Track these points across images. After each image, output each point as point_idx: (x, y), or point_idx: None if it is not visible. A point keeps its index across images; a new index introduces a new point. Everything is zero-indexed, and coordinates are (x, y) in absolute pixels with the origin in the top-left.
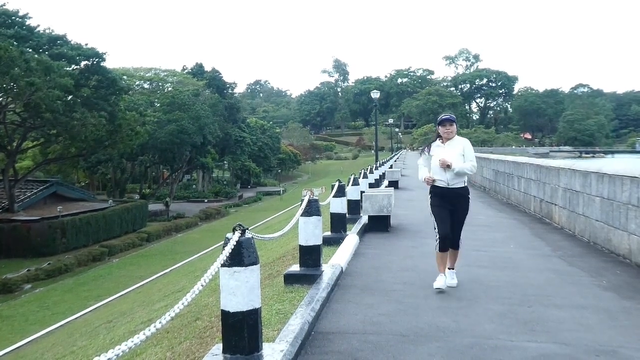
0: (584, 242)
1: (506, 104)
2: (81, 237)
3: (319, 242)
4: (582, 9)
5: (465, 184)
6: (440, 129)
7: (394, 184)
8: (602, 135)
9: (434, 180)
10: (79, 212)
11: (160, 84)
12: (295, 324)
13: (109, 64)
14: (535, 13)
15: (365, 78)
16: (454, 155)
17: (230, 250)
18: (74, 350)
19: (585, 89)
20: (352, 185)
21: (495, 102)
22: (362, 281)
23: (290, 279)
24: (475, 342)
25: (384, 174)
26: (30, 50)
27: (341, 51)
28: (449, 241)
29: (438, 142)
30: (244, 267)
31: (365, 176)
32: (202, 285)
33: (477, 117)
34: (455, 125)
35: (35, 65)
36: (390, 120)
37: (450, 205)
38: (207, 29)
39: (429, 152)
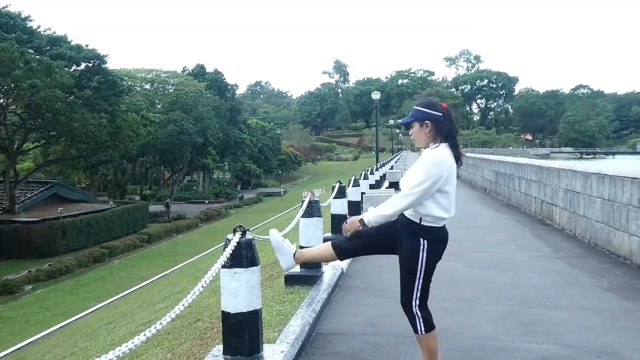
0: (584, 243)
1: (507, 105)
2: (82, 238)
3: (320, 243)
4: (583, 10)
5: (411, 216)
6: None
7: (394, 185)
8: (602, 136)
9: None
10: (80, 213)
11: (161, 85)
12: (296, 325)
13: (110, 65)
14: (536, 14)
15: (365, 79)
16: (406, 176)
17: (230, 252)
18: (74, 352)
19: (586, 90)
20: (352, 186)
21: (496, 103)
22: (362, 282)
23: (290, 280)
24: (476, 344)
25: (384, 175)
26: (32, 51)
27: (341, 52)
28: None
29: None
30: (244, 268)
31: (365, 177)
32: (202, 287)
33: (478, 118)
34: (421, 126)
35: (37, 66)
36: (391, 122)
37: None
38: (207, 30)
39: None
